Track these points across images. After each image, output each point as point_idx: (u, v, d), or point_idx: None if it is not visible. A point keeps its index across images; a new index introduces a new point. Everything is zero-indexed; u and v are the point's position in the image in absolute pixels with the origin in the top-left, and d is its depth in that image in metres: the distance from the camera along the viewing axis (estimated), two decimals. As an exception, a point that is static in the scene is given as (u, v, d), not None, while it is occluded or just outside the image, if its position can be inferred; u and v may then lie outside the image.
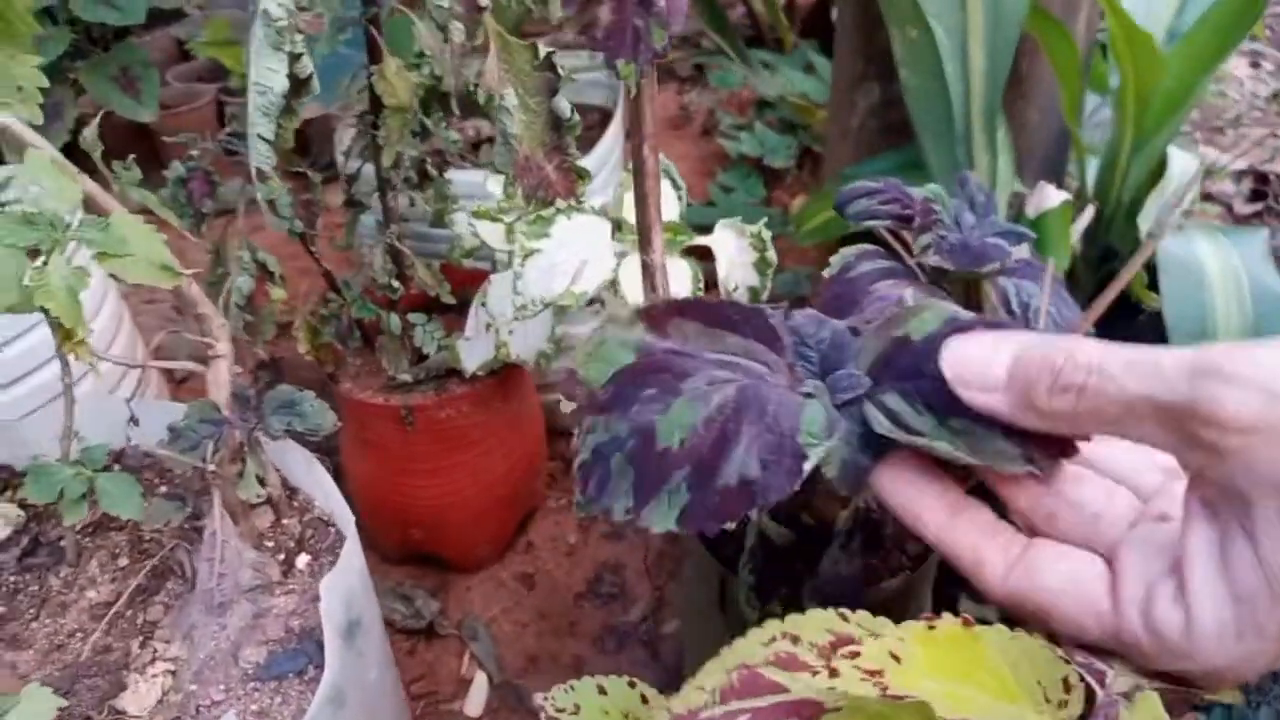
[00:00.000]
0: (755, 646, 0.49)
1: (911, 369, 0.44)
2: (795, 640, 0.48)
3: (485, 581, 1.15)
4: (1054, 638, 0.39)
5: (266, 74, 0.63)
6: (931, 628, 0.39)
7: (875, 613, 0.70)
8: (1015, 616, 0.40)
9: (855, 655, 0.38)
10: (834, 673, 0.37)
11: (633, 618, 1.11)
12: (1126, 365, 0.33)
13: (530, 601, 1.13)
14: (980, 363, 0.38)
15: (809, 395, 0.45)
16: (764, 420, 0.42)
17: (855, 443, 0.44)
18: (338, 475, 1.17)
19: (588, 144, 1.20)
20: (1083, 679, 0.39)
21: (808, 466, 0.41)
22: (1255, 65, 2.18)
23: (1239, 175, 1.74)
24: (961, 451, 0.40)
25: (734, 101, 2.00)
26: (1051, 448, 0.40)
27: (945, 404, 0.41)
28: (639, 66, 0.46)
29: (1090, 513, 0.39)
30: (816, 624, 0.49)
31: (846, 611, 0.49)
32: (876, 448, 0.44)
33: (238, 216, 0.87)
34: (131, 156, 0.78)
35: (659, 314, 0.47)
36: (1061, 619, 0.37)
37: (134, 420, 0.67)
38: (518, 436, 1.08)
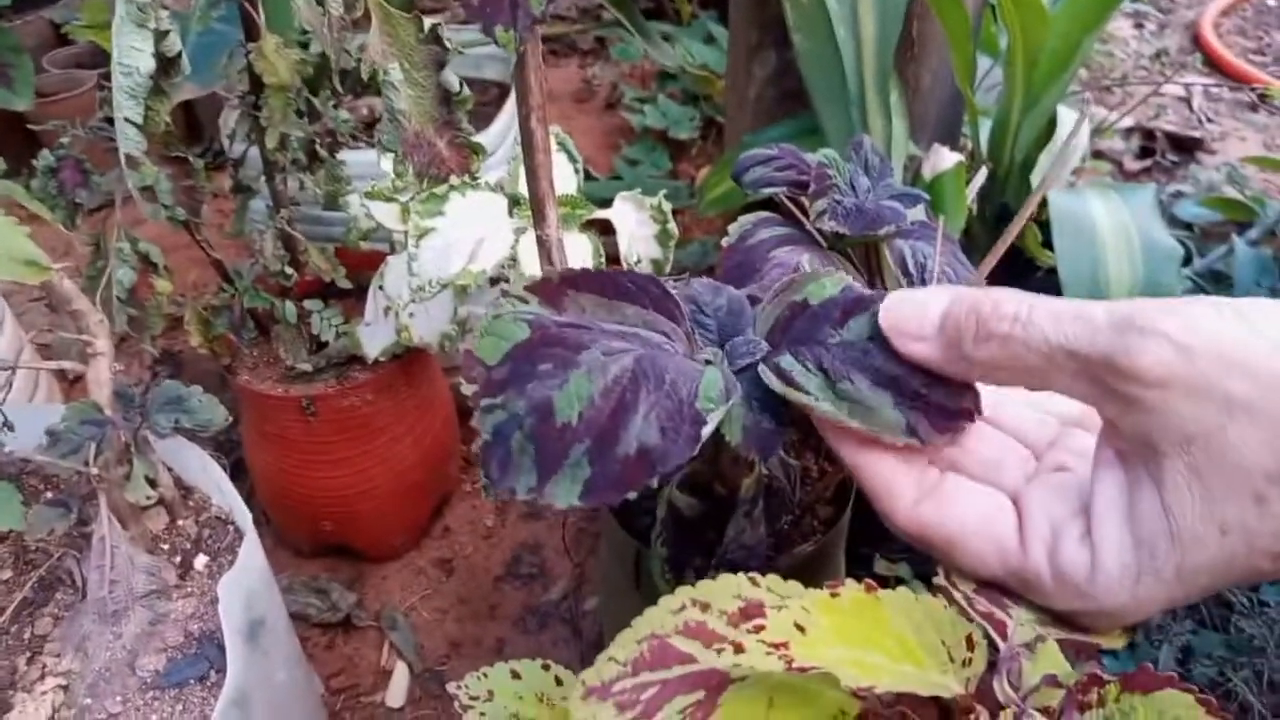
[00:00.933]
0: (666, 615, 0.48)
1: (807, 333, 0.44)
2: (705, 608, 0.48)
3: (402, 570, 1.13)
4: (950, 581, 0.40)
5: (131, 53, 0.60)
6: (835, 595, 0.39)
7: (788, 577, 0.70)
8: (921, 549, 0.40)
9: (760, 629, 0.37)
10: (739, 648, 0.37)
11: (553, 597, 1.10)
12: (1051, 316, 0.33)
13: (449, 587, 1.11)
14: (914, 312, 0.38)
15: (708, 362, 0.45)
16: (662, 388, 0.42)
17: (754, 407, 0.44)
18: (242, 470, 1.14)
19: (484, 119, 1.18)
20: (986, 635, 0.40)
21: (706, 431, 0.41)
22: (1139, 26, 2.24)
23: (1127, 133, 1.80)
24: (844, 415, 0.40)
25: (636, 74, 1.98)
26: (939, 421, 0.40)
27: (840, 367, 0.41)
28: (518, 33, 0.45)
29: (991, 460, 0.40)
30: (726, 590, 0.49)
31: (757, 576, 0.49)
32: (775, 410, 0.43)
33: (116, 207, 0.82)
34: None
35: (553, 286, 0.46)
36: (966, 552, 0.38)
37: (8, 425, 0.63)
38: (427, 421, 1.06)
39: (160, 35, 0.61)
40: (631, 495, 0.40)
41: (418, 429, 1.04)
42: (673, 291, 0.47)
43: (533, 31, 0.45)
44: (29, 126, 1.60)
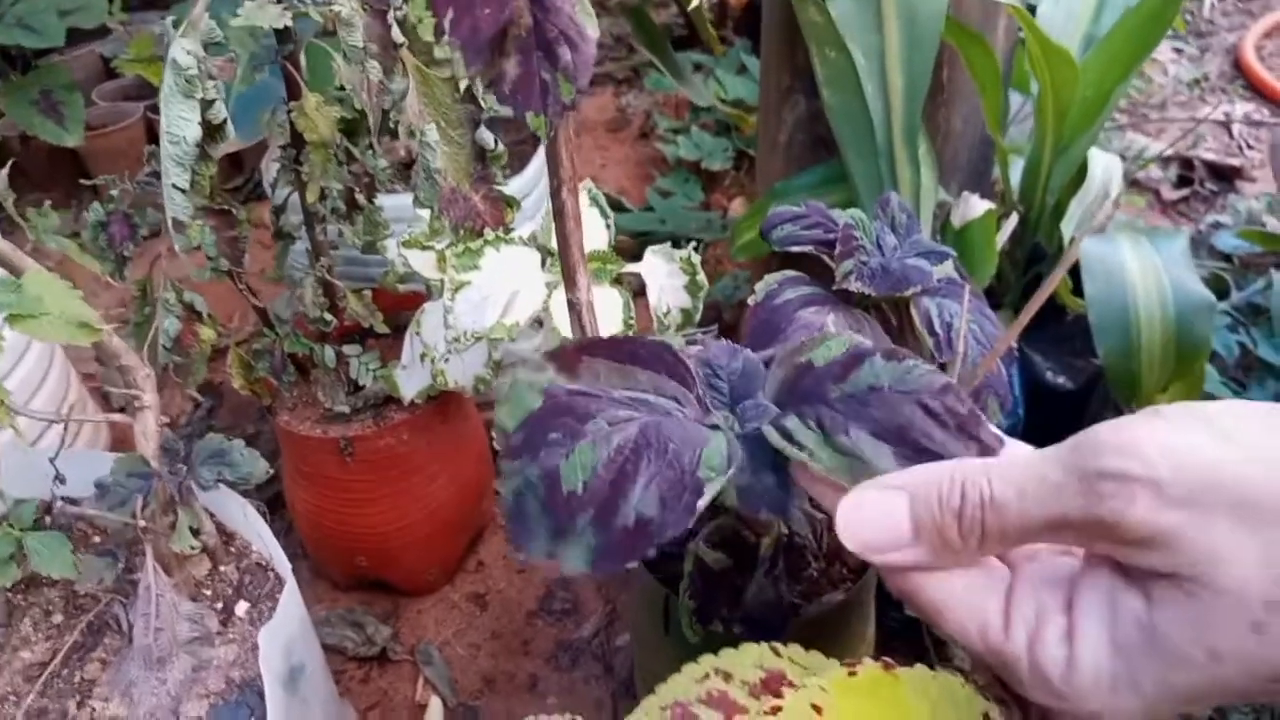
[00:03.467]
0: (689, 683, 0.49)
1: (811, 392, 0.45)
2: (728, 677, 0.49)
3: (437, 604, 1.15)
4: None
5: (179, 123, 0.62)
6: (852, 674, 0.40)
7: (819, 627, 0.71)
8: (910, 611, 0.40)
9: (778, 710, 0.38)
10: (758, 731, 0.38)
11: (585, 633, 1.11)
12: (1019, 494, 0.33)
13: (483, 622, 1.13)
14: (880, 523, 0.37)
15: (714, 427, 0.46)
16: (664, 457, 0.43)
17: (757, 467, 0.45)
18: (281, 503, 1.16)
19: (520, 159, 1.20)
20: (1004, 715, 0.40)
21: (703, 501, 0.42)
22: (1178, 51, 2.22)
23: (1165, 161, 1.78)
24: (841, 472, 0.41)
25: (670, 104, 2.00)
26: None
27: (839, 420, 0.42)
28: (549, 119, 0.46)
29: None
30: (749, 659, 0.50)
31: (779, 646, 0.50)
32: (778, 470, 0.44)
33: (163, 256, 0.85)
34: (48, 202, 0.76)
35: (567, 355, 0.48)
36: (949, 622, 0.37)
37: (60, 479, 0.66)
38: (461, 458, 1.08)
39: (207, 104, 0.63)
40: (632, 565, 0.42)
41: (452, 466, 1.06)
42: (684, 357, 0.49)
43: (563, 117, 0.47)
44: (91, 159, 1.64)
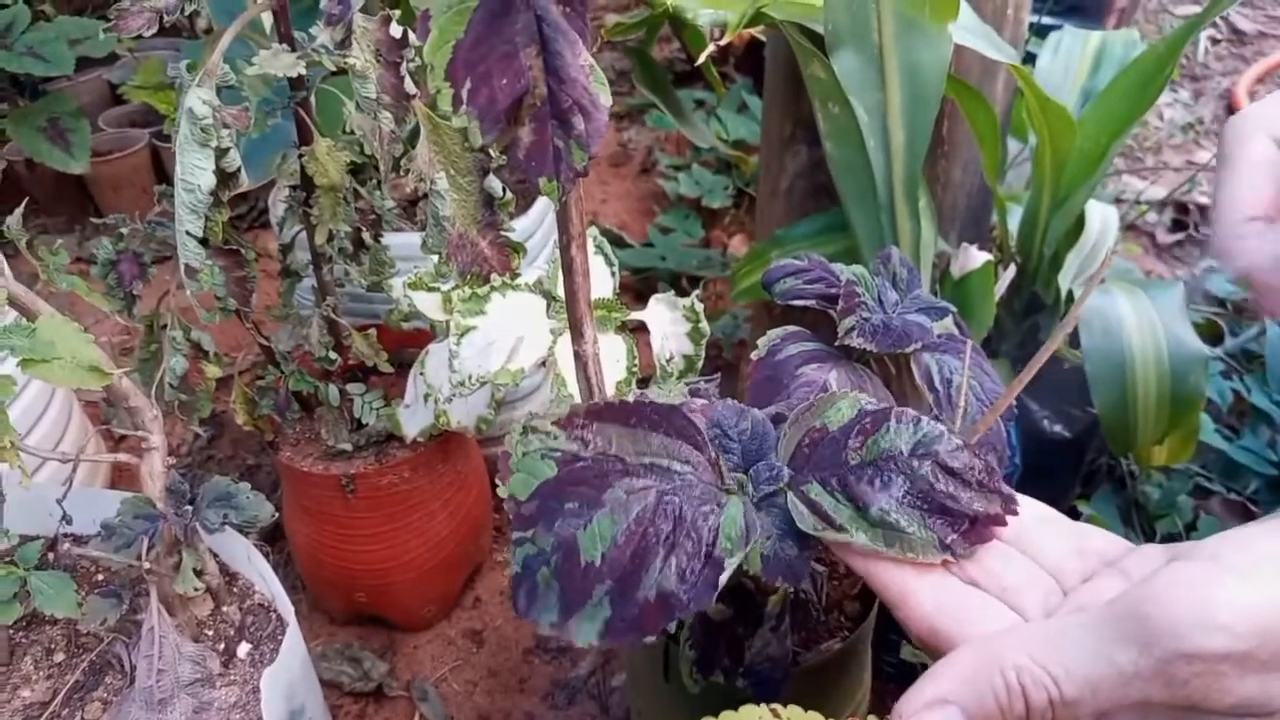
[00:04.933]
0: (689, 746, 0.50)
1: (830, 459, 0.45)
2: (727, 739, 0.50)
3: (434, 640, 1.15)
4: None
5: (194, 171, 0.63)
6: (853, 736, 0.41)
7: (818, 674, 0.71)
8: (933, 655, 0.40)
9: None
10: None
11: (582, 671, 1.11)
12: (1093, 691, 0.32)
13: (479, 659, 1.13)
14: None
15: (730, 492, 0.46)
16: (683, 527, 0.43)
17: (779, 536, 0.45)
18: (281, 535, 1.16)
19: (526, 198, 1.21)
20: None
21: (724, 577, 0.42)
22: (1174, 92, 2.25)
23: (1160, 206, 1.80)
24: (880, 544, 0.41)
25: (672, 140, 2.02)
26: (970, 535, 0.41)
27: (867, 491, 0.42)
28: (562, 185, 0.47)
29: (1012, 586, 0.40)
30: (748, 720, 0.50)
31: (779, 708, 0.51)
32: (799, 537, 0.45)
33: (171, 293, 0.86)
34: (59, 242, 0.77)
35: (579, 421, 0.48)
36: None
37: (66, 519, 0.66)
38: (462, 496, 1.08)
39: (221, 152, 0.64)
40: (649, 639, 0.42)
41: (452, 504, 1.07)
42: (694, 417, 0.49)
43: (574, 183, 0.48)
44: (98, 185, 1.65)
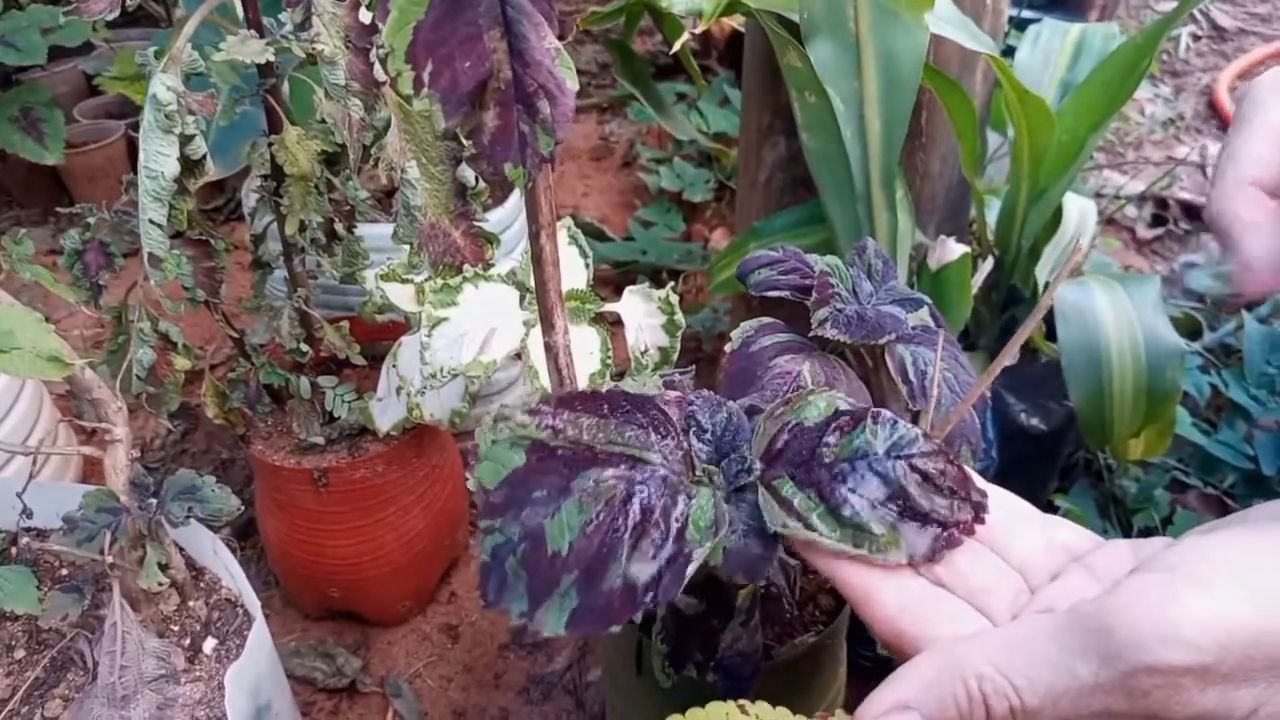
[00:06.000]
0: (657, 743, 0.49)
1: (804, 455, 0.45)
2: (693, 737, 0.49)
3: (408, 635, 1.14)
4: None
5: (157, 158, 0.62)
6: (821, 731, 0.40)
7: (792, 669, 0.71)
8: (896, 657, 0.40)
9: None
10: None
11: (557, 666, 1.11)
12: (1054, 700, 0.32)
13: (454, 654, 1.12)
14: None
15: (701, 483, 0.46)
16: (651, 518, 0.43)
17: (744, 532, 0.44)
18: (253, 530, 1.15)
19: (502, 189, 1.20)
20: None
21: (692, 568, 0.42)
22: (1155, 88, 2.26)
23: (1140, 201, 1.80)
24: (848, 545, 0.41)
25: (653, 133, 2.01)
26: (939, 540, 0.41)
27: (839, 489, 0.42)
28: (528, 171, 0.46)
29: (979, 587, 0.40)
30: (716, 718, 0.50)
31: (746, 704, 0.50)
32: (763, 535, 0.44)
33: (139, 285, 0.84)
34: (23, 232, 0.76)
35: (550, 410, 0.47)
36: None
37: (27, 512, 0.65)
38: (436, 490, 1.07)
39: (186, 139, 0.63)
40: (615, 629, 0.41)
41: (427, 498, 1.06)
42: (667, 408, 0.48)
43: (541, 168, 0.47)
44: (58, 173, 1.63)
